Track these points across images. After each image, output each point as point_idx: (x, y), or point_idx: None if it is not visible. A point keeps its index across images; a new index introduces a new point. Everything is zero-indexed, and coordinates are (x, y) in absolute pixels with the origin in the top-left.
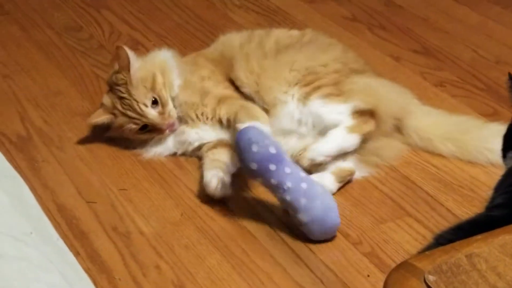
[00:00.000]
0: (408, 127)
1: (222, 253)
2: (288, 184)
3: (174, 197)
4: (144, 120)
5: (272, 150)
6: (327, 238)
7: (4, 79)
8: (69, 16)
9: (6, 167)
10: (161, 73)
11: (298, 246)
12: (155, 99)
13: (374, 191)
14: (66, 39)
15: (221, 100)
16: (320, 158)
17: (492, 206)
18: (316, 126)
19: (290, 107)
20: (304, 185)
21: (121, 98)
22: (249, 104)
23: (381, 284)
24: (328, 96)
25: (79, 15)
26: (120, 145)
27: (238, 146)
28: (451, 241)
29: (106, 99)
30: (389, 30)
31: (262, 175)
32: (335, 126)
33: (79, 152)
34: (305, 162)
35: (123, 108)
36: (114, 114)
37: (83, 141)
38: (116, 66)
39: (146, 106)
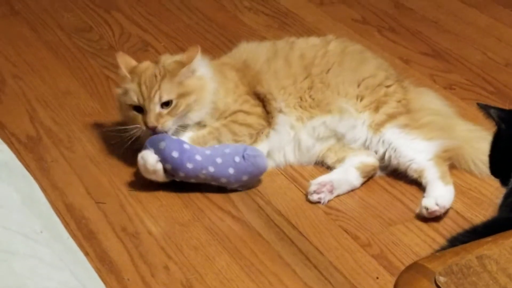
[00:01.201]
0: None
1: (231, 254)
2: (210, 168)
3: (183, 198)
4: (145, 103)
5: (175, 154)
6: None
7: (14, 79)
8: (79, 17)
9: (17, 165)
10: (196, 95)
11: (307, 247)
12: (171, 102)
13: (383, 194)
14: (76, 40)
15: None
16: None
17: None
18: (390, 156)
19: (359, 132)
20: (219, 160)
21: (154, 75)
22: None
23: (390, 286)
24: (405, 127)
25: (89, 16)
26: (129, 145)
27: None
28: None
29: (143, 64)
30: (398, 33)
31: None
32: (410, 162)
33: (88, 152)
34: (432, 209)
35: (145, 81)
36: (131, 79)
37: (92, 142)
38: (179, 59)
39: (160, 99)
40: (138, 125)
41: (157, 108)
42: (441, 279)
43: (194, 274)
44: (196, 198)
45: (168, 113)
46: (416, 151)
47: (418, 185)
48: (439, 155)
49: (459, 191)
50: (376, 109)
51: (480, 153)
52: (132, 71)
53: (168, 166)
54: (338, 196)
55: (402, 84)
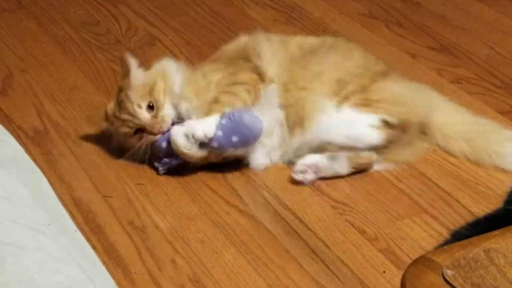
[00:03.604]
0: (433, 124)
1: (238, 248)
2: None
3: (190, 192)
4: (136, 121)
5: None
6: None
7: (21, 74)
8: (86, 11)
9: (26, 159)
10: (163, 78)
11: (314, 241)
12: (152, 104)
13: (390, 188)
14: (83, 34)
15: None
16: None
17: (510, 200)
18: (347, 138)
19: (326, 119)
20: (220, 133)
21: (119, 102)
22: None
23: (397, 280)
24: (358, 105)
25: (96, 10)
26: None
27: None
28: (468, 236)
29: (110, 105)
30: (405, 27)
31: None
32: (364, 138)
33: (96, 146)
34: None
35: (119, 111)
36: (112, 122)
37: (99, 136)
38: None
39: (140, 107)
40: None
41: (146, 115)
42: (449, 273)
43: (201, 268)
44: (203, 192)
45: (157, 109)
46: (366, 125)
47: (426, 179)
48: (386, 123)
49: (467, 186)
50: (336, 94)
51: (492, 143)
52: (106, 117)
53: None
54: (324, 178)
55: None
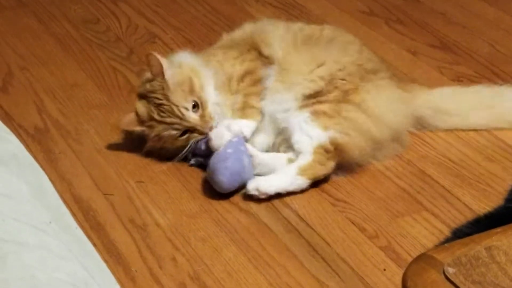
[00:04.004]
0: (430, 117)
1: (239, 246)
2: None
3: (190, 190)
4: (185, 124)
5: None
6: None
7: (22, 71)
8: (86, 9)
9: (26, 156)
10: (196, 76)
11: (315, 239)
12: (196, 102)
13: (390, 185)
14: (83, 32)
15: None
16: (261, 194)
17: (510, 198)
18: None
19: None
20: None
21: (158, 105)
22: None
23: (398, 278)
24: (319, 113)
25: (96, 8)
26: (137, 138)
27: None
28: (468, 234)
29: (141, 109)
30: (406, 24)
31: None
32: (294, 143)
33: (96, 144)
34: (251, 191)
35: (160, 116)
36: (150, 126)
37: (100, 134)
38: (148, 75)
39: (187, 109)
40: (193, 140)
41: (194, 116)
42: (450, 270)
43: (201, 265)
44: (204, 190)
45: (203, 109)
46: (305, 135)
47: (427, 177)
48: (324, 145)
49: (467, 183)
50: (315, 95)
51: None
52: (141, 122)
53: None
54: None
55: (373, 79)
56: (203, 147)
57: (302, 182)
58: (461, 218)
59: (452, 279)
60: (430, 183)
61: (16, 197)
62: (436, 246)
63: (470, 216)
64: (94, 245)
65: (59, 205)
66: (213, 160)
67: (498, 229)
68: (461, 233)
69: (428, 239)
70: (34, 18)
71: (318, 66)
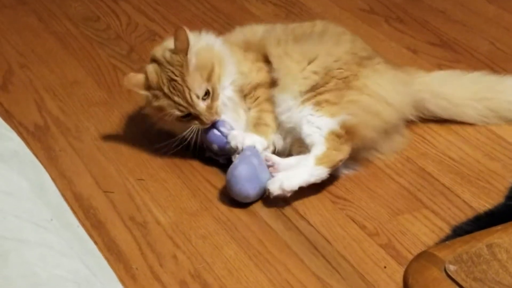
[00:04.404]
0: (433, 101)
1: (239, 244)
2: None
3: (191, 188)
4: (191, 109)
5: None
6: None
7: (22, 69)
8: (86, 7)
9: (27, 154)
10: (218, 64)
11: (315, 237)
12: (208, 91)
13: (390, 183)
14: (83, 30)
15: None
16: (286, 192)
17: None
18: (292, 131)
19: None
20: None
21: (171, 80)
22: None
23: (398, 275)
24: (322, 103)
25: (96, 6)
26: (137, 135)
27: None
28: (469, 232)
29: (152, 74)
30: (406, 22)
31: None
32: (306, 136)
33: (96, 141)
34: (275, 191)
35: (170, 91)
36: (155, 95)
37: (100, 131)
38: (172, 44)
39: (198, 97)
40: (193, 127)
41: (203, 105)
42: (451, 268)
43: (202, 263)
44: (204, 187)
45: (212, 100)
46: (313, 126)
47: (427, 174)
48: (335, 131)
49: (467, 181)
50: (313, 88)
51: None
52: (148, 86)
53: None
54: None
55: (368, 64)
56: (215, 147)
57: (321, 171)
58: (461, 216)
59: (453, 277)
60: (430, 180)
61: (17, 195)
62: (436, 244)
63: (470, 214)
64: (95, 242)
65: (60, 203)
66: (227, 175)
67: (499, 227)
68: (461, 231)
69: (428, 236)
70: (34, 16)
71: (309, 62)
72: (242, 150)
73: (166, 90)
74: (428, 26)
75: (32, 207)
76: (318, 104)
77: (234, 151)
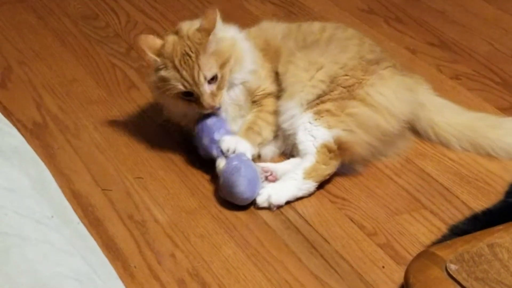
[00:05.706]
0: (423, 121)
1: (238, 243)
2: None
3: (189, 186)
4: (194, 88)
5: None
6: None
7: (20, 66)
8: (85, 4)
9: (28, 150)
10: (235, 60)
11: (313, 236)
12: (216, 76)
13: (389, 183)
14: (82, 27)
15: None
16: (273, 206)
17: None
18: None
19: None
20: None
21: (185, 54)
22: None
23: (396, 275)
24: (322, 112)
25: (95, 4)
26: (136, 133)
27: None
28: (466, 231)
29: (169, 44)
30: (405, 23)
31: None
32: (299, 143)
33: (95, 139)
34: (261, 204)
35: (180, 64)
36: (165, 64)
37: (98, 129)
38: (198, 24)
39: (205, 78)
40: (192, 109)
41: (207, 88)
42: (452, 267)
43: (200, 262)
44: (203, 186)
45: (218, 88)
46: (308, 134)
47: (426, 175)
48: (328, 145)
49: (466, 181)
50: (319, 97)
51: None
52: (160, 53)
53: None
54: None
55: (375, 70)
56: (215, 152)
57: (309, 185)
58: (459, 216)
59: (454, 276)
60: (428, 181)
61: (18, 191)
62: (434, 243)
63: (468, 214)
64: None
65: (61, 199)
66: (224, 177)
67: (500, 227)
68: (458, 230)
69: (427, 236)
70: (33, 13)
71: (317, 70)
72: (230, 155)
73: (176, 62)
74: (427, 27)
75: (33, 203)
76: (318, 113)
77: (222, 154)
